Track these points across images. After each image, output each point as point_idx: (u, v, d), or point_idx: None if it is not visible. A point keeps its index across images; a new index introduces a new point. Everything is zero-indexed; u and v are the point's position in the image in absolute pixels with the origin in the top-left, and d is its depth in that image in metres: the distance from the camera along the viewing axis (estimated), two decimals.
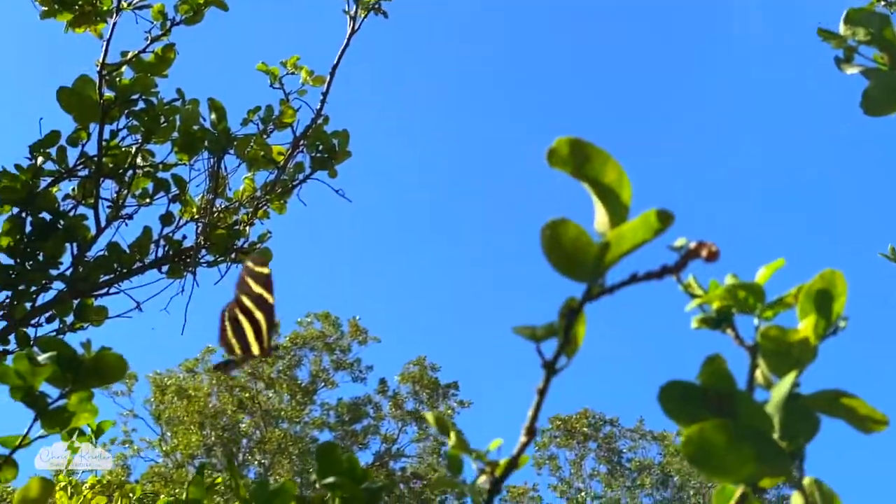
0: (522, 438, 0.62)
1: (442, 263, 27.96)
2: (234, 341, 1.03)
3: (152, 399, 16.80)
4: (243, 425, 16.73)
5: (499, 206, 29.40)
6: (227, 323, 1.03)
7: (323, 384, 17.34)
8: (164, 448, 16.48)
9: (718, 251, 0.55)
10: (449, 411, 17.31)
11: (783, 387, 0.56)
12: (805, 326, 0.60)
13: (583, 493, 16.90)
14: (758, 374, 0.62)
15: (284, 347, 17.22)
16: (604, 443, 17.29)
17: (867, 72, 0.94)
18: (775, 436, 0.55)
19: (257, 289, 1.01)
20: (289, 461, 16.12)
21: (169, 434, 16.62)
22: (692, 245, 0.55)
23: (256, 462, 16.34)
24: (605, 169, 0.55)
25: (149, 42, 2.21)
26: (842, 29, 0.94)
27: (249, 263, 1.01)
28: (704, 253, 0.55)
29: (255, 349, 1.03)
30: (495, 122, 31.16)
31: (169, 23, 2.23)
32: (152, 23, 2.24)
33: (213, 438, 16.32)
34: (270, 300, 1.01)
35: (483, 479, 0.70)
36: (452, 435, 0.73)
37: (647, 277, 0.56)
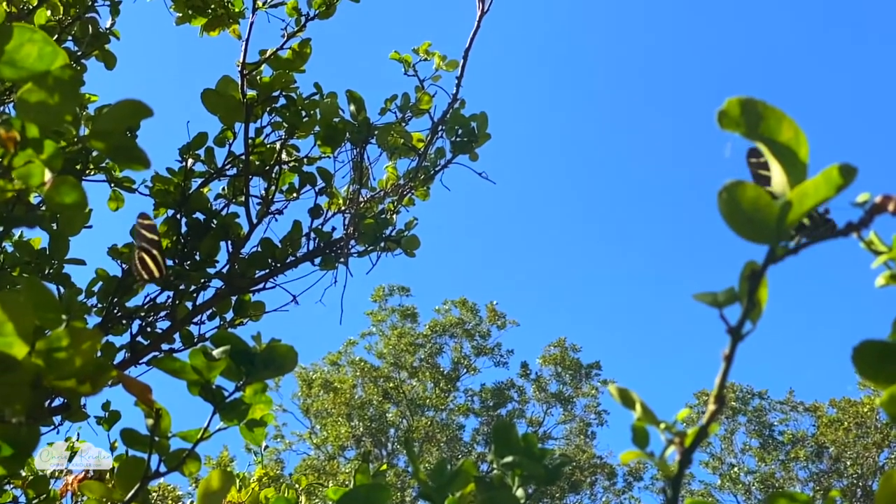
0: (711, 406, 0.60)
1: (576, 242, 27.81)
2: None
3: (300, 393, 17.16)
4: (390, 415, 16.95)
5: (636, 182, 29.07)
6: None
7: (465, 370, 17.45)
8: (314, 441, 16.82)
9: None
10: (593, 391, 17.22)
11: None
12: None
13: (735, 469, 16.62)
14: None
15: (424, 336, 17.38)
16: (753, 416, 16.96)
17: None
18: None
19: None
20: (437, 448, 16.27)
21: (318, 427, 16.95)
22: (877, 199, 0.53)
23: (405, 451, 16.55)
24: (781, 127, 0.53)
25: (285, 39, 2.24)
26: None
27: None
28: (891, 207, 0.53)
29: None
30: (634, 94, 30.74)
31: (303, 18, 2.26)
32: (284, 21, 2.27)
33: (361, 429, 16.57)
34: None
35: (672, 449, 0.68)
36: (638, 407, 0.71)
37: (833, 235, 0.54)
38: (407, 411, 16.91)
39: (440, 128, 2.42)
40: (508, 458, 0.84)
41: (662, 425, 0.69)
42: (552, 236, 28.09)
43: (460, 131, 2.40)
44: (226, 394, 0.94)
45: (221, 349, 0.91)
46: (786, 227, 0.53)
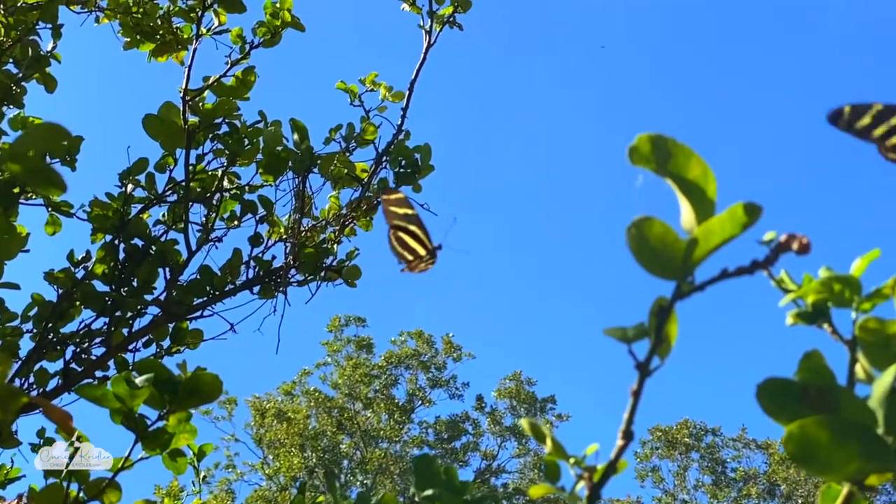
0: (619, 442, 0.60)
1: (530, 275, 27.88)
2: None
3: (252, 423, 17.02)
4: (343, 446, 16.86)
5: (585, 214, 29.23)
6: None
7: (420, 402, 17.39)
8: (266, 471, 16.67)
9: (809, 243, 0.54)
10: (548, 425, 17.22)
11: (885, 380, 0.54)
12: None
13: None
14: (858, 368, 0.59)
15: (379, 367, 17.32)
16: (706, 453, 17.02)
17: None
18: (879, 431, 0.53)
19: None
20: (390, 481, 16.19)
21: (271, 457, 16.80)
22: (782, 238, 0.54)
23: (358, 483, 16.44)
24: (689, 164, 0.54)
25: (229, 66, 2.24)
26: None
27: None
28: (795, 246, 0.53)
29: None
30: (577, 127, 30.94)
31: (248, 46, 2.26)
32: (231, 47, 2.27)
33: (314, 460, 16.46)
34: None
35: (581, 485, 0.68)
36: (549, 441, 0.71)
37: (738, 273, 0.55)
38: (361, 442, 16.82)
39: (384, 158, 2.41)
40: (428, 492, 0.83)
41: (572, 460, 0.69)
42: (508, 269, 28.11)
43: (404, 162, 2.40)
44: (149, 423, 0.93)
45: (144, 377, 0.90)
46: (692, 264, 0.54)
